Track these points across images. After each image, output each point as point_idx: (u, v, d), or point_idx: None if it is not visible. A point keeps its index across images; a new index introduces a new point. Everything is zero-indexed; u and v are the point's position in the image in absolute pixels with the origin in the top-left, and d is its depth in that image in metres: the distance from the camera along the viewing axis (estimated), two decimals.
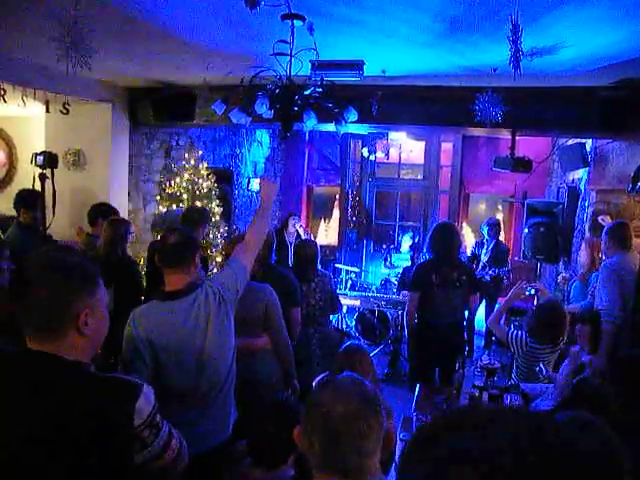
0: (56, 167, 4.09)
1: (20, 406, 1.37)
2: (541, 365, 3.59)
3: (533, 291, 5.05)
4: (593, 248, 4.69)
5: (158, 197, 5.93)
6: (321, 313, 4.11)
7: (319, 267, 4.25)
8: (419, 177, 9.41)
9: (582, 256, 4.82)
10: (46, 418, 1.35)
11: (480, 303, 6.34)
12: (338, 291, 7.15)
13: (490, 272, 6.47)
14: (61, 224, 4.97)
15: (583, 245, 4.89)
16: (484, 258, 6.76)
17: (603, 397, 1.91)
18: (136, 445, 1.45)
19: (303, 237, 6.85)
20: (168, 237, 2.47)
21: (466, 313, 4.78)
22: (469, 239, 9.18)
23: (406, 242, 8.44)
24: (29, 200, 4.37)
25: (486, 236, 6.84)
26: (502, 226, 7.31)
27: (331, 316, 4.85)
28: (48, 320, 1.42)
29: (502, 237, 8.14)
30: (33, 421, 1.34)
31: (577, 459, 0.54)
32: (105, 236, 4.22)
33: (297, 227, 7.27)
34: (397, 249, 8.49)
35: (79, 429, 1.35)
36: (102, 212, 4.75)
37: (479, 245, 7.04)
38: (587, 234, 5.25)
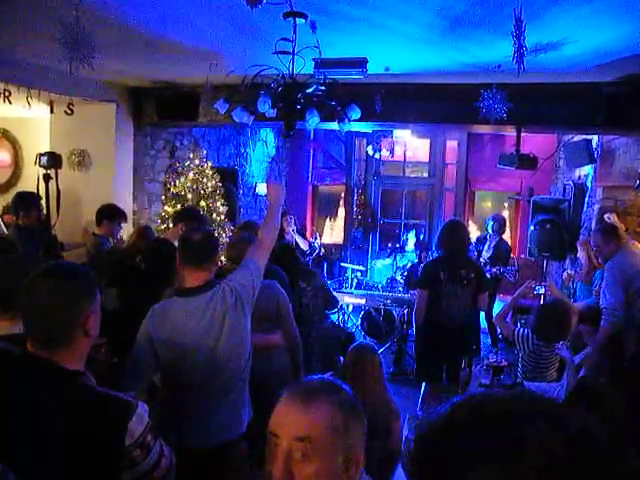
0: (60, 167, 4.11)
1: (13, 408, 1.38)
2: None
3: (542, 290, 5.01)
4: (589, 248, 4.68)
5: (163, 197, 5.94)
6: (316, 311, 4.11)
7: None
8: (424, 175, 9.38)
9: (581, 257, 4.81)
10: (37, 423, 1.37)
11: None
12: (344, 290, 7.18)
13: (494, 270, 6.35)
14: (66, 224, 4.99)
15: (579, 248, 4.87)
16: (485, 255, 6.64)
17: (602, 395, 1.90)
18: (124, 463, 1.44)
19: (295, 238, 6.78)
20: (191, 235, 2.48)
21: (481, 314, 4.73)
22: (474, 236, 9.13)
23: (411, 240, 8.39)
24: (26, 202, 4.37)
25: (490, 231, 6.73)
26: (507, 224, 7.19)
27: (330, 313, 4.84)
28: (59, 327, 1.45)
29: (507, 235, 8.09)
30: (25, 423, 1.36)
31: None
32: (132, 241, 4.20)
33: (289, 227, 6.73)
34: (403, 248, 8.45)
35: (68, 440, 1.37)
36: (108, 214, 4.77)
37: (481, 240, 6.91)
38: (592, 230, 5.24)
